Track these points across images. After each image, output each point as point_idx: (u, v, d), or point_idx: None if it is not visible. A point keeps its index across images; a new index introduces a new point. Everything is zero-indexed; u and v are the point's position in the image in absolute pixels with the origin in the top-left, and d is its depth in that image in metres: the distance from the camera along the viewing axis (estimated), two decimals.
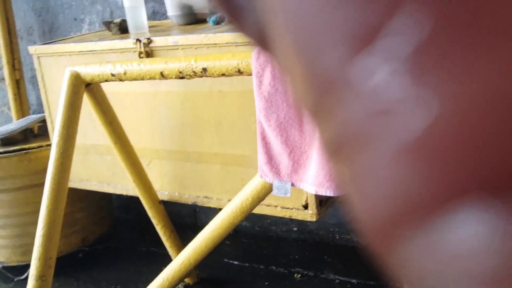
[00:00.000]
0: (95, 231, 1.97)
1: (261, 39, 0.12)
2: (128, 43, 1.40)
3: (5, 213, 1.79)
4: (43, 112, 1.69)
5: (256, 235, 2.00)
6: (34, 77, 2.24)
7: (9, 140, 1.80)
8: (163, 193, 1.50)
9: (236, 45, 1.22)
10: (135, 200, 1.55)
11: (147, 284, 1.37)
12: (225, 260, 1.86)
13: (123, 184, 1.56)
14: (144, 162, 1.49)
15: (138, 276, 1.80)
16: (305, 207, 1.24)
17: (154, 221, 1.57)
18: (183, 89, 1.36)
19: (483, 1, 0.07)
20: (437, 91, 0.08)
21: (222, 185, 1.39)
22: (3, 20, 2.04)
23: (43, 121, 1.80)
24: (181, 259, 1.28)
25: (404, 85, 0.08)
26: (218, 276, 1.79)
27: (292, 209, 1.26)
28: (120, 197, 2.04)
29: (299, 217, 1.26)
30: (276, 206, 1.28)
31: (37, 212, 1.39)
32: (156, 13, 1.90)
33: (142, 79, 1.22)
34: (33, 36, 2.26)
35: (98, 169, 1.61)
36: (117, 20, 1.63)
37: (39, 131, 1.90)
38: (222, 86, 1.29)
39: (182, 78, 1.16)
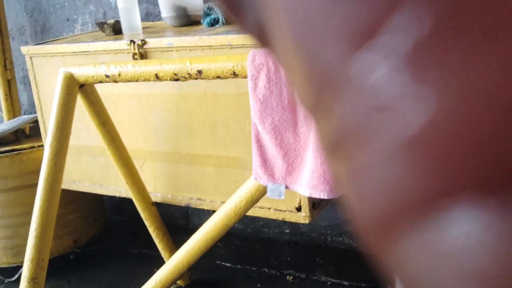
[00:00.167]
0: (87, 233, 1.96)
1: (261, 36, 0.12)
2: (122, 44, 1.40)
3: None
4: (35, 113, 1.68)
5: (248, 237, 2.00)
6: (25, 77, 2.23)
7: (0, 140, 1.78)
8: (156, 195, 1.50)
9: (230, 48, 1.23)
10: (127, 201, 1.54)
11: (140, 286, 1.37)
12: (217, 262, 1.86)
13: (116, 185, 1.55)
14: (137, 164, 1.48)
15: (131, 278, 1.79)
16: (298, 209, 1.24)
17: (147, 223, 1.57)
18: (177, 91, 1.36)
19: None
20: (435, 88, 0.08)
21: (216, 187, 1.39)
22: None
23: (35, 121, 1.79)
24: (174, 262, 1.28)
25: (403, 81, 0.08)
26: (210, 278, 1.79)
27: (285, 211, 1.26)
28: (112, 198, 2.03)
29: (292, 220, 1.26)
30: (269, 208, 1.29)
31: (28, 213, 1.38)
32: (149, 14, 1.90)
33: (137, 80, 1.22)
34: (25, 36, 2.25)
35: (90, 170, 1.60)
36: (111, 21, 1.62)
37: (31, 132, 1.89)
38: (217, 88, 1.29)
39: (177, 80, 1.16)
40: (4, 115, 2.10)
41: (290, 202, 1.23)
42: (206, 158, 1.38)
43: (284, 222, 1.89)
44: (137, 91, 1.42)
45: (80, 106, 1.35)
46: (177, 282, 1.68)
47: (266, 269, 1.80)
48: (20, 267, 1.37)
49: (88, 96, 1.33)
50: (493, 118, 0.07)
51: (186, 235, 1.34)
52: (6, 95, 2.07)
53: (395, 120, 0.08)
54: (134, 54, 1.36)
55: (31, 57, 1.57)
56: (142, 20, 1.74)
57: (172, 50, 1.33)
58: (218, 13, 1.48)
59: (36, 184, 1.35)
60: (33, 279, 1.31)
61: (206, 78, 1.12)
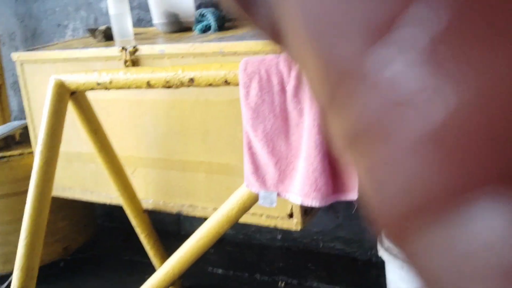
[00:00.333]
0: (77, 240, 1.94)
1: (274, 32, 0.12)
2: (113, 51, 1.40)
3: None
4: (25, 119, 1.66)
5: (240, 243, 2.00)
6: (16, 83, 2.21)
7: None
8: (148, 202, 1.50)
9: (223, 55, 1.23)
10: (118, 207, 1.54)
11: None
12: (209, 268, 1.86)
13: (107, 192, 1.55)
14: (128, 170, 1.48)
15: (122, 285, 1.78)
16: (290, 216, 1.24)
17: (138, 230, 1.56)
18: (169, 97, 1.36)
19: None
20: (454, 82, 0.08)
21: (208, 193, 1.39)
22: None
23: (25, 128, 1.77)
24: (166, 269, 1.27)
25: (421, 76, 0.08)
26: (202, 284, 1.78)
27: (277, 218, 1.27)
28: (103, 204, 2.01)
29: (284, 226, 1.26)
30: (261, 215, 1.29)
31: (18, 220, 1.37)
32: (141, 20, 1.90)
33: (128, 88, 1.21)
34: (15, 42, 2.23)
35: (81, 177, 1.59)
36: (102, 27, 1.62)
37: (21, 138, 1.87)
38: (209, 94, 1.29)
39: (169, 87, 1.16)
40: None
41: (282, 209, 1.23)
42: (198, 165, 1.38)
43: (276, 228, 1.89)
44: (128, 98, 1.41)
45: (70, 112, 1.34)
46: None
47: (258, 275, 1.80)
48: (10, 274, 1.36)
49: (79, 104, 1.33)
50: None
51: (178, 241, 1.33)
52: None
53: (413, 114, 0.08)
54: (126, 61, 1.36)
55: (21, 64, 1.56)
56: (134, 26, 1.73)
57: (164, 57, 1.33)
58: (210, 19, 1.48)
59: (26, 191, 1.34)
60: None
61: (198, 86, 1.12)
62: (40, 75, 1.53)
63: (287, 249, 1.93)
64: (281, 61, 1.03)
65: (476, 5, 0.07)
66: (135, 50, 1.35)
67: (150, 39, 1.52)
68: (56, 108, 1.27)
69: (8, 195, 1.74)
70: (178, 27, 1.57)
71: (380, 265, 1.40)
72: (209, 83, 1.10)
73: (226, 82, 1.09)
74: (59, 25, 2.10)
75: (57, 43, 1.74)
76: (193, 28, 1.51)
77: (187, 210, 1.43)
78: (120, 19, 1.54)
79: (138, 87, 1.19)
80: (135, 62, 1.37)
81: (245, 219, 1.26)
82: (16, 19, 2.19)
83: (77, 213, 1.92)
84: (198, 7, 1.69)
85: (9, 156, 1.74)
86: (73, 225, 1.91)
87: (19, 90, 1.68)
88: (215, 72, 1.08)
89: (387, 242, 1.25)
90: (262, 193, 1.09)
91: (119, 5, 1.54)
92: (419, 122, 0.08)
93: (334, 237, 1.83)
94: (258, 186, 1.09)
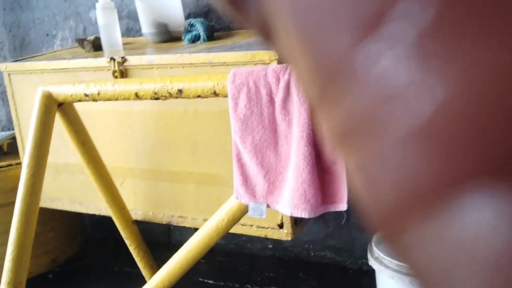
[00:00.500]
0: (66, 251, 1.92)
1: (264, 29, 0.12)
2: (102, 61, 1.39)
3: None
4: (13, 129, 1.65)
5: (231, 252, 1.99)
6: (3, 92, 2.19)
7: None
8: (137, 213, 1.48)
9: (211, 65, 1.23)
10: (108, 217, 1.52)
11: None
12: (200, 279, 1.84)
13: (95, 203, 1.53)
14: (117, 182, 1.47)
15: None
16: (281, 226, 1.24)
17: (127, 241, 1.55)
18: (157, 108, 1.35)
19: None
20: (442, 75, 0.08)
21: (197, 204, 1.38)
22: None
23: (13, 138, 1.75)
24: (155, 282, 1.26)
25: (410, 70, 0.08)
26: None
27: (267, 228, 1.26)
28: (91, 215, 2.00)
29: (275, 236, 1.26)
30: (251, 226, 1.28)
31: (5, 232, 1.35)
32: (130, 30, 1.89)
33: (116, 99, 1.21)
34: (3, 51, 2.22)
35: (69, 188, 1.58)
36: (91, 37, 1.61)
37: (9, 149, 1.85)
38: (198, 105, 1.29)
39: (157, 99, 1.16)
40: None
41: (272, 219, 1.23)
42: (187, 176, 1.37)
43: (266, 238, 1.89)
44: (116, 109, 1.41)
45: (58, 122, 1.33)
46: None
47: (249, 285, 1.79)
48: None
49: (66, 115, 1.32)
50: (501, 105, 0.07)
51: (168, 252, 1.32)
52: None
53: (402, 109, 0.08)
54: (114, 71, 1.36)
55: (9, 74, 1.55)
56: (123, 35, 1.73)
57: (152, 68, 1.32)
58: (199, 29, 1.48)
59: (13, 203, 1.32)
60: None
61: (186, 97, 1.12)
62: (28, 86, 1.52)
63: (278, 259, 1.92)
64: (270, 72, 1.03)
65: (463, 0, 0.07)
66: (124, 60, 1.35)
67: (139, 49, 1.52)
68: (43, 120, 1.26)
69: None
70: (167, 37, 1.57)
71: (370, 274, 1.40)
72: (197, 94, 1.10)
73: (215, 94, 1.08)
74: (47, 34, 2.09)
75: (45, 53, 1.73)
76: (182, 38, 1.51)
77: (177, 221, 1.42)
78: (109, 29, 1.54)
79: (126, 98, 1.19)
80: (123, 73, 1.36)
81: (236, 229, 1.25)
82: (4, 28, 2.18)
83: (65, 224, 1.90)
84: (188, 17, 1.69)
85: None
86: (62, 236, 1.89)
87: (7, 101, 1.67)
88: (204, 83, 1.08)
89: (377, 251, 1.25)
90: (251, 205, 1.09)
91: (108, 15, 1.54)
92: (408, 117, 0.08)
93: (325, 246, 1.83)
94: (247, 198, 1.09)
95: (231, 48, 1.26)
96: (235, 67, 1.11)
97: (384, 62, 0.08)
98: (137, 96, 1.17)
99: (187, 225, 1.41)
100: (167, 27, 1.57)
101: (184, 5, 1.68)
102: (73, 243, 1.95)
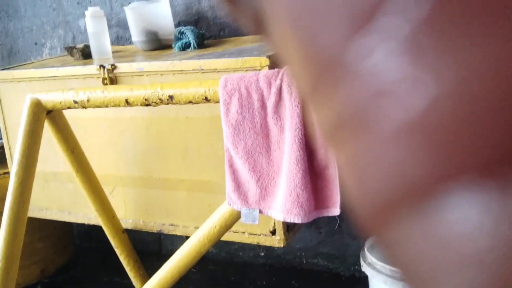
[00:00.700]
0: (55, 261, 1.89)
1: (257, 22, 0.12)
2: (91, 69, 1.38)
3: None
4: (1, 138, 1.63)
5: (223, 261, 1.98)
6: None
7: None
8: (127, 222, 1.47)
9: (202, 72, 1.23)
10: (97, 227, 1.50)
11: None
12: None
13: (85, 212, 1.51)
14: (107, 190, 1.45)
15: None
16: (273, 233, 1.23)
17: (117, 250, 1.53)
18: (148, 115, 1.35)
19: None
20: (434, 71, 0.08)
21: (189, 212, 1.37)
22: None
23: (1, 147, 1.73)
24: None
25: (402, 65, 0.08)
26: None
27: (259, 235, 1.25)
28: (81, 225, 1.97)
29: (267, 243, 1.25)
30: (243, 233, 1.28)
31: None
32: (120, 38, 1.89)
33: (106, 106, 1.20)
34: None
35: (58, 197, 1.56)
36: (80, 45, 1.60)
37: None
38: (189, 112, 1.28)
39: (147, 105, 1.15)
40: None
41: (264, 226, 1.22)
42: (179, 183, 1.36)
43: (259, 245, 1.88)
44: (106, 115, 1.40)
45: (47, 130, 1.31)
46: None
47: None
48: None
49: (56, 123, 1.30)
50: (491, 102, 0.07)
51: (159, 261, 1.31)
52: None
53: (394, 104, 0.08)
54: (104, 79, 1.35)
55: None
56: (112, 44, 1.72)
57: (143, 75, 1.32)
58: (189, 37, 1.48)
59: (1, 213, 1.30)
60: None
61: (177, 103, 1.12)
62: (16, 94, 1.50)
63: (270, 266, 1.91)
64: (261, 77, 1.03)
65: None
66: (114, 67, 1.34)
67: (128, 56, 1.51)
68: (32, 128, 1.25)
69: None
70: (157, 45, 1.57)
71: (363, 280, 1.39)
72: (188, 100, 1.10)
73: (206, 99, 1.08)
74: (36, 43, 2.07)
75: (33, 62, 1.72)
76: (173, 46, 1.51)
77: (168, 229, 1.41)
78: (98, 37, 1.53)
79: (116, 105, 1.18)
80: (113, 80, 1.35)
81: (228, 237, 1.24)
82: None
83: (54, 234, 1.87)
84: (178, 25, 1.69)
85: None
86: (51, 246, 1.87)
87: None
88: (195, 89, 1.08)
89: (370, 257, 1.25)
90: (244, 211, 1.08)
91: (97, 23, 1.53)
92: (400, 112, 0.08)
93: (317, 253, 1.82)
94: (240, 204, 1.08)
95: (221, 55, 1.26)
96: (226, 74, 1.11)
97: (377, 57, 0.08)
98: (127, 103, 1.16)
99: (179, 233, 1.40)
100: (157, 35, 1.57)
101: (174, 14, 1.68)
102: (62, 253, 1.92)
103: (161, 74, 1.29)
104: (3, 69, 1.56)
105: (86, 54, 1.56)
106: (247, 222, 1.09)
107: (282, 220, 1.04)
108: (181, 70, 1.26)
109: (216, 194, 1.29)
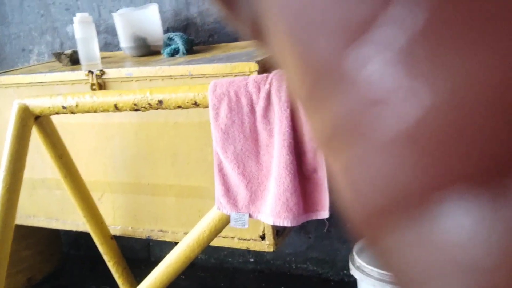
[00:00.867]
0: (42, 269, 1.87)
1: (255, 29, 0.12)
2: (79, 74, 1.38)
3: None
4: None
5: (212, 267, 1.97)
6: None
7: None
8: (116, 228, 1.46)
9: (191, 77, 1.23)
10: (85, 234, 1.49)
11: None
12: None
13: (73, 219, 1.50)
14: (95, 196, 1.44)
15: None
16: (262, 237, 1.23)
17: (105, 257, 1.51)
18: (137, 120, 1.34)
19: None
20: (429, 82, 0.08)
21: (178, 217, 1.37)
22: None
23: None
24: None
25: (397, 75, 0.08)
26: None
27: (249, 240, 1.25)
28: (69, 232, 1.95)
29: (256, 248, 1.25)
30: (233, 238, 1.27)
31: None
32: (108, 44, 1.88)
33: (95, 111, 1.19)
34: None
35: (46, 204, 1.54)
36: (68, 51, 1.60)
37: None
38: (178, 117, 1.28)
39: (137, 110, 1.15)
40: None
41: (253, 231, 1.22)
42: (167, 188, 1.36)
43: (248, 251, 1.87)
44: (95, 121, 1.39)
45: (35, 136, 1.31)
46: None
47: None
48: None
49: (43, 128, 1.29)
50: (486, 113, 0.07)
51: (148, 268, 1.30)
52: None
53: (388, 114, 0.08)
54: (92, 84, 1.34)
55: None
56: (101, 50, 1.72)
57: (132, 80, 1.32)
58: (178, 43, 1.49)
59: None
60: None
61: (167, 108, 1.12)
62: (3, 100, 1.49)
63: (260, 272, 1.90)
64: (250, 82, 1.03)
65: (453, 7, 0.08)
66: (102, 73, 1.34)
67: (117, 62, 1.51)
68: (19, 133, 1.24)
69: None
70: (146, 51, 1.57)
71: (352, 284, 1.40)
72: (178, 105, 1.10)
73: (196, 104, 1.08)
74: (23, 49, 2.06)
75: (21, 68, 1.71)
76: (161, 51, 1.51)
77: (157, 235, 1.40)
78: (87, 42, 1.53)
79: (105, 110, 1.18)
80: (102, 86, 1.35)
81: (217, 242, 1.24)
82: None
83: (42, 241, 1.85)
84: (166, 31, 1.70)
85: None
86: (38, 254, 1.84)
87: None
88: (184, 94, 1.08)
89: (358, 260, 1.26)
90: (233, 215, 1.08)
91: (86, 29, 1.53)
92: (394, 122, 0.08)
93: (307, 258, 1.83)
94: (229, 208, 1.08)
95: (210, 61, 1.26)
96: (215, 79, 1.11)
97: (373, 66, 0.08)
98: (116, 108, 1.16)
99: (168, 240, 1.39)
100: (146, 41, 1.57)
101: (163, 19, 1.68)
102: (49, 261, 1.90)
103: (150, 80, 1.29)
104: None
105: (74, 60, 1.56)
106: (237, 226, 1.09)
107: (271, 223, 1.04)
108: (170, 76, 1.26)
109: (206, 199, 1.29)
